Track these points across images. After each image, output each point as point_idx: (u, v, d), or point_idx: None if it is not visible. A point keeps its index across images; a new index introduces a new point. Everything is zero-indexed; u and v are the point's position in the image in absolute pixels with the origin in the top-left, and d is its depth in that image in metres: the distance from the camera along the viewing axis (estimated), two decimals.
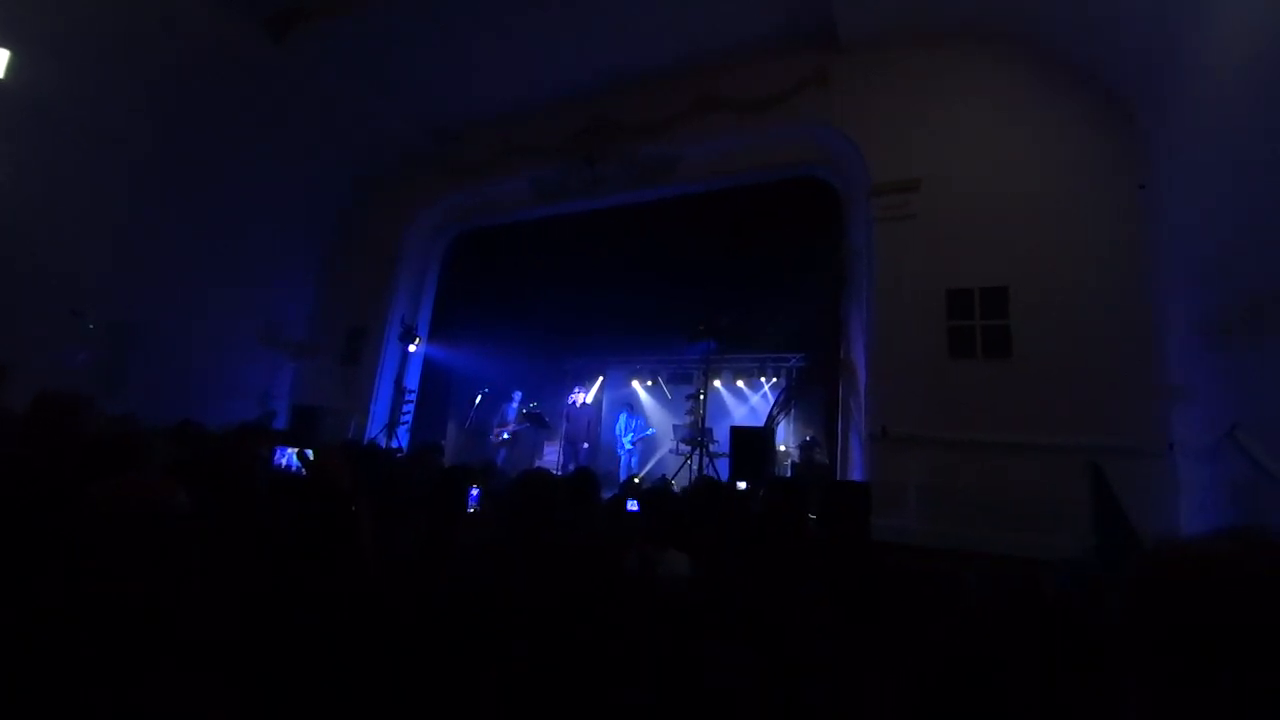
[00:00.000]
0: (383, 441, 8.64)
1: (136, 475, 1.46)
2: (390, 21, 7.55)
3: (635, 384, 12.36)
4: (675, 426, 10.77)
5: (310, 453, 3.45)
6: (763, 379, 11.14)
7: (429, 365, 10.44)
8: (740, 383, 11.51)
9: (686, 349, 9.16)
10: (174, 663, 1.19)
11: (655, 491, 4.79)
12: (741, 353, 10.21)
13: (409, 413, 9.67)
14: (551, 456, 11.48)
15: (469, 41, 7.90)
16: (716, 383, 11.16)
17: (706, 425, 8.60)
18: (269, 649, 1.32)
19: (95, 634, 1.14)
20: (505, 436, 10.23)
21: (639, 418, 11.23)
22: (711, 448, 8.28)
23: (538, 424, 10.32)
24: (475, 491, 4.22)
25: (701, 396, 9.02)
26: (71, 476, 1.76)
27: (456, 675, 1.57)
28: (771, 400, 10.25)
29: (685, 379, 11.71)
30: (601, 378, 12.47)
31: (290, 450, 4.86)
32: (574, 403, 10.98)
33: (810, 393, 9.20)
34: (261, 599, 1.46)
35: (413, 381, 10.01)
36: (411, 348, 9.58)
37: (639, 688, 1.38)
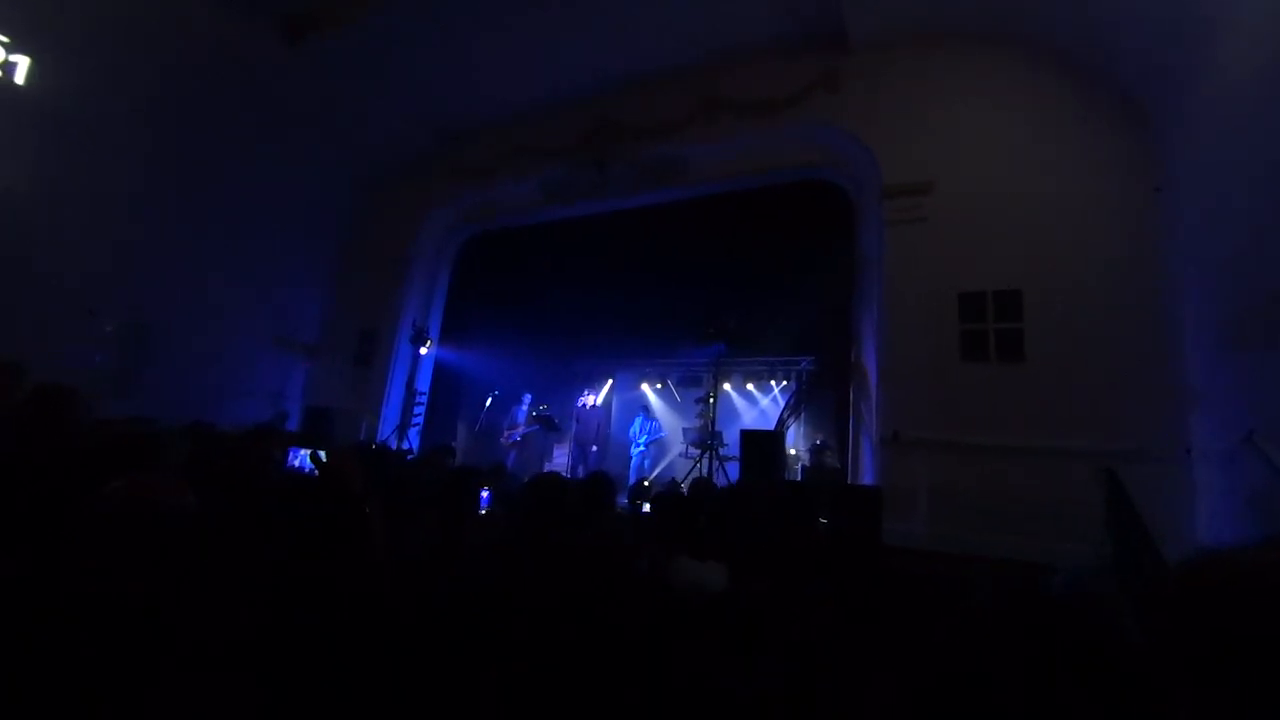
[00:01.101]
0: (394, 443, 8.69)
1: (139, 475, 1.47)
2: (392, 23, 7.63)
3: (645, 387, 12.33)
4: (685, 430, 10.71)
5: (324, 454, 3.47)
6: (773, 382, 11.07)
7: (440, 367, 10.50)
8: (750, 386, 11.44)
9: (696, 352, 9.13)
10: (174, 663, 1.19)
11: (667, 495, 4.76)
12: (751, 356, 10.15)
13: (420, 415, 9.71)
14: (561, 459, 11.47)
15: (470, 42, 7.97)
16: (726, 386, 11.11)
17: (717, 428, 8.55)
18: (270, 649, 1.33)
19: (95, 634, 1.15)
20: (515, 439, 10.26)
21: (654, 421, 11.20)
22: (721, 451, 8.24)
23: (547, 426, 10.32)
24: (487, 493, 4.25)
25: (711, 399, 8.98)
26: (77, 476, 1.78)
27: (456, 675, 1.56)
28: (782, 403, 10.20)
29: (695, 382, 11.66)
30: (611, 380, 12.45)
31: (304, 451, 4.91)
32: (583, 405, 10.97)
33: (821, 396, 9.12)
34: (264, 599, 1.47)
35: (424, 384, 10.06)
36: (423, 350, 9.62)
37: (639, 687, 1.37)
